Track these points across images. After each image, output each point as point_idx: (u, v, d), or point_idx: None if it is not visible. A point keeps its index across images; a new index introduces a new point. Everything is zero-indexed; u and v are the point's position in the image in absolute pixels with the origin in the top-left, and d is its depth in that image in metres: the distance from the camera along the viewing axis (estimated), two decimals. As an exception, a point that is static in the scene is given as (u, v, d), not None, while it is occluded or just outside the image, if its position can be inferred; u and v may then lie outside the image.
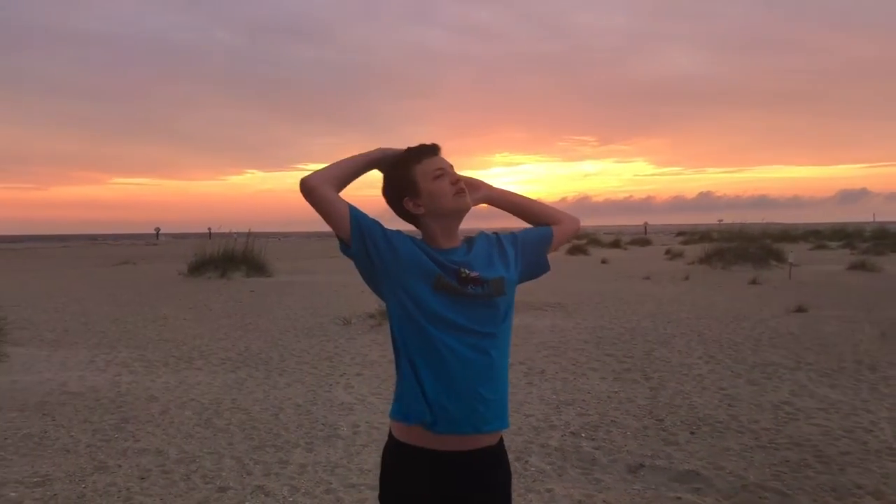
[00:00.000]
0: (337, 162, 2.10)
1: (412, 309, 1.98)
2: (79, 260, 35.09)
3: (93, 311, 13.12)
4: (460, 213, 2.09)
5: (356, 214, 2.03)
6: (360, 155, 2.13)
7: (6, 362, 7.93)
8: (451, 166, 2.10)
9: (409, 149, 2.11)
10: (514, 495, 4.08)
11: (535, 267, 2.21)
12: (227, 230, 22.45)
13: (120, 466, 4.66)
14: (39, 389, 6.77)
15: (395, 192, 2.11)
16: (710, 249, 23.27)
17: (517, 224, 2.36)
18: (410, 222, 2.12)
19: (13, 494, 4.17)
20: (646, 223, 75.20)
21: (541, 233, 2.25)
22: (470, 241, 2.14)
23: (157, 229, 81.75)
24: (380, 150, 2.14)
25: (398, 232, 2.07)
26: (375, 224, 2.05)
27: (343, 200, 2.05)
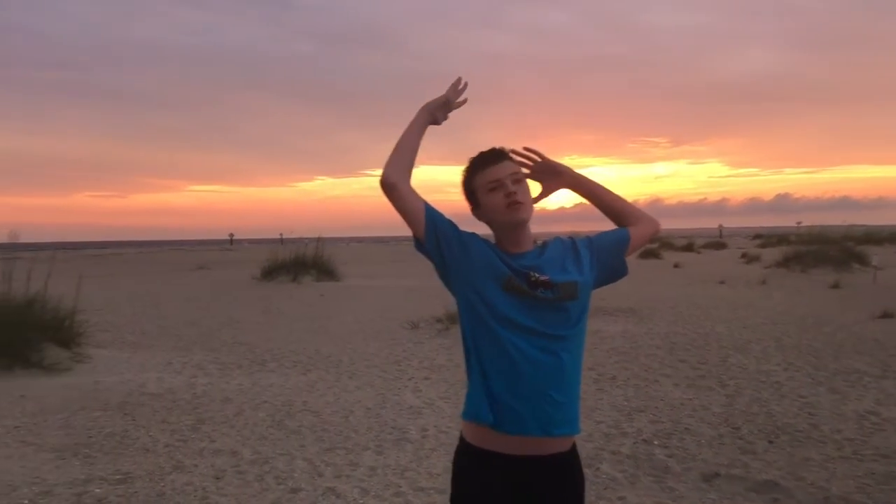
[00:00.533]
0: (399, 145, 2.10)
1: (481, 309, 1.99)
2: (156, 265, 36.30)
3: (170, 314, 13.54)
4: (514, 226, 2.06)
5: (431, 212, 2.06)
6: (411, 125, 2.14)
7: (89, 363, 8.24)
8: (515, 173, 2.08)
9: (473, 158, 2.13)
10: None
11: (611, 271, 2.16)
12: (297, 236, 22.89)
13: (196, 466, 4.78)
14: (120, 390, 7.01)
15: (466, 200, 2.15)
16: (789, 252, 22.59)
17: (595, 227, 2.32)
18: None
19: (98, 491, 4.32)
20: (720, 226, 73.46)
21: (617, 236, 2.19)
22: (544, 245, 2.12)
23: (231, 235, 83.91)
24: (424, 109, 2.15)
25: (473, 234, 2.09)
26: (450, 223, 2.07)
27: (420, 198, 2.07)
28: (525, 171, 2.19)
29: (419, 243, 2.08)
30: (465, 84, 2.18)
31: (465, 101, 2.20)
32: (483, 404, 1.97)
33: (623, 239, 2.18)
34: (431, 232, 2.04)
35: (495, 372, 1.97)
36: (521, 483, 1.97)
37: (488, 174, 2.07)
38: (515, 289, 1.97)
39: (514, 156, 2.17)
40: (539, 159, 2.21)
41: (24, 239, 9.55)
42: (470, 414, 2.01)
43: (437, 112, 2.16)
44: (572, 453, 2.05)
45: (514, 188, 2.05)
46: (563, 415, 1.97)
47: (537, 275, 1.99)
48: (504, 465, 1.96)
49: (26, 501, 4.15)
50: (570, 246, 2.13)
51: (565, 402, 1.97)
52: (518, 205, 2.04)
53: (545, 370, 1.94)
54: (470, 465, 2.03)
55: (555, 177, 2.22)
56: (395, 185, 2.04)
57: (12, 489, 4.33)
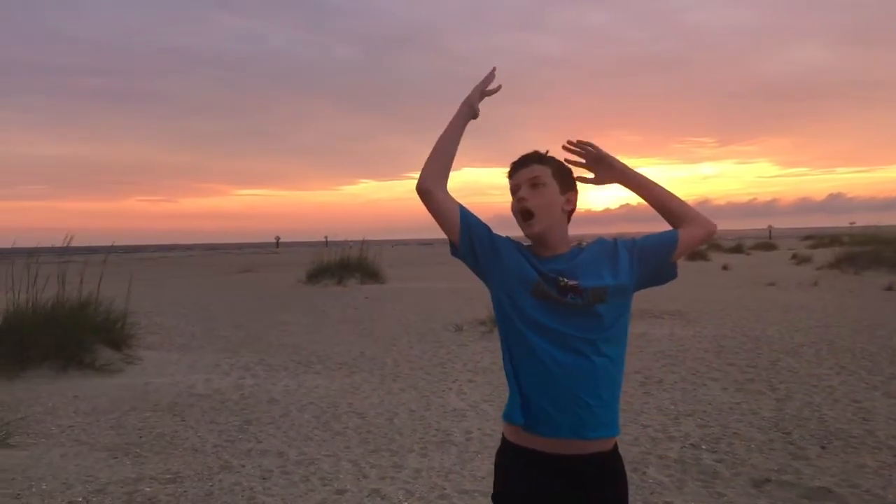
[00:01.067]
0: (438, 146, 2.12)
1: (512, 314, 2.00)
2: (204, 268, 36.94)
3: (218, 317, 13.75)
4: (529, 238, 2.08)
5: (466, 218, 2.08)
6: (453, 120, 2.15)
7: (140, 365, 8.41)
8: (536, 178, 2.05)
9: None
10: (631, 507, 3.95)
11: (656, 274, 2.11)
12: (342, 238, 23.07)
13: (244, 466, 4.85)
14: (170, 391, 7.14)
15: None
16: (841, 253, 22.00)
17: (644, 228, 2.28)
18: None
19: (148, 490, 4.41)
20: (770, 226, 72.07)
21: (664, 237, 2.12)
22: (582, 247, 2.11)
23: (277, 238, 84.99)
24: (465, 104, 2.16)
25: (506, 238, 2.09)
26: (484, 227, 2.09)
27: (455, 203, 2.09)
28: (578, 159, 2.20)
29: (454, 248, 2.10)
30: (495, 69, 2.20)
31: (499, 88, 2.21)
32: (516, 406, 1.99)
33: (670, 241, 2.11)
34: (466, 237, 2.06)
35: (527, 375, 1.98)
36: (560, 481, 1.96)
37: (512, 179, 2.11)
38: (544, 295, 1.97)
39: (566, 147, 2.19)
40: (592, 150, 2.19)
41: (77, 243, 9.77)
42: (506, 414, 2.04)
43: (475, 104, 2.17)
44: (613, 454, 2.03)
45: (524, 193, 2.05)
46: (597, 418, 1.95)
47: (566, 280, 1.98)
48: (542, 462, 1.97)
49: (80, 499, 4.25)
50: (611, 248, 2.09)
51: (598, 406, 1.95)
52: (527, 216, 2.04)
53: (576, 374, 1.94)
54: (509, 463, 2.04)
55: (606, 169, 2.20)
56: (430, 192, 2.06)
57: (67, 487, 4.44)
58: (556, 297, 1.96)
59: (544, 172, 2.07)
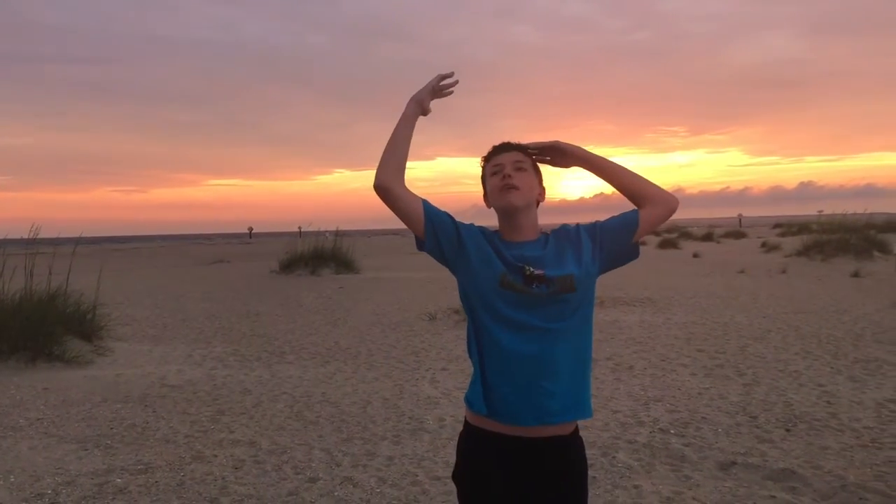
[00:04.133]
0: (390, 143, 2.14)
1: (477, 305, 2.04)
2: (177, 259, 36.59)
3: (190, 307, 13.66)
4: (507, 211, 2.09)
5: (429, 212, 2.10)
6: (402, 118, 2.17)
7: (111, 356, 8.34)
8: (519, 161, 2.12)
9: (491, 148, 2.21)
10: (600, 491, 4.04)
11: (618, 255, 2.13)
12: (316, 228, 22.95)
13: (216, 456, 4.84)
14: (142, 382, 7.10)
15: (482, 185, 2.22)
16: (809, 241, 22.38)
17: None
18: None
19: (119, 481, 4.39)
20: (740, 215, 72.92)
21: (625, 220, 2.14)
22: (547, 235, 2.13)
23: (250, 228, 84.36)
24: (413, 100, 2.18)
25: (470, 226, 2.12)
26: (448, 219, 2.11)
27: (416, 198, 2.10)
28: (535, 152, 2.22)
29: (420, 242, 2.12)
30: (456, 80, 2.22)
31: (451, 92, 2.24)
32: (478, 394, 2.03)
33: (631, 221, 2.12)
34: (430, 231, 2.08)
35: (491, 364, 2.02)
36: (516, 461, 2.00)
37: (495, 160, 2.15)
38: (510, 286, 1.99)
39: (529, 146, 2.21)
40: (554, 146, 2.21)
41: (45, 234, 9.63)
42: (468, 400, 2.08)
43: (425, 101, 2.19)
44: (572, 437, 2.06)
45: (510, 171, 2.09)
46: (559, 404, 1.98)
47: (532, 269, 2.00)
48: (499, 443, 2.01)
49: (50, 491, 4.22)
50: (574, 235, 2.12)
51: (560, 392, 1.98)
52: (511, 189, 2.06)
53: (539, 364, 1.97)
54: (470, 444, 2.08)
55: (563, 156, 2.22)
56: (388, 189, 2.07)
57: (36, 479, 4.41)
58: (522, 288, 1.98)
59: (526, 160, 2.14)
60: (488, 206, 2.18)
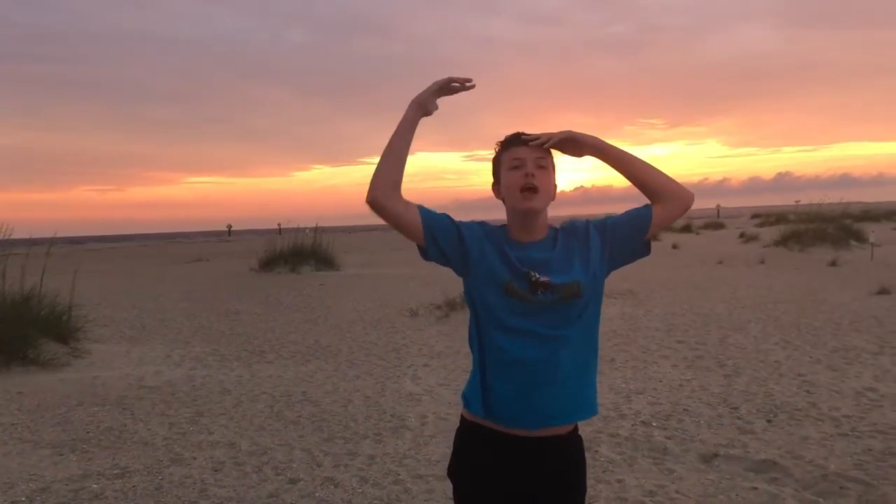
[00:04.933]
0: (388, 152, 2.01)
1: (481, 311, 1.97)
2: (155, 258, 36.23)
3: (168, 307, 13.52)
4: (524, 213, 1.98)
5: (428, 221, 1.99)
6: (403, 122, 2.04)
7: (87, 358, 8.22)
8: (541, 158, 1.99)
9: (506, 138, 2.06)
10: (583, 486, 3.99)
11: (629, 253, 2.05)
12: (296, 225, 22.81)
13: (195, 459, 4.77)
14: (119, 384, 6.99)
15: (493, 174, 2.09)
16: (787, 231, 22.57)
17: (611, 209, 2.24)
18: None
19: (95, 486, 4.31)
20: (718, 206, 73.38)
21: (636, 214, 2.04)
22: (556, 232, 2.04)
23: (229, 226, 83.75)
24: (414, 102, 2.06)
25: (472, 226, 2.02)
26: (448, 224, 2.01)
27: (412, 207, 1.99)
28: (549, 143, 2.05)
29: (423, 252, 2.02)
30: (473, 83, 2.08)
31: (472, 86, 2.09)
32: (477, 396, 1.98)
33: (644, 217, 2.03)
34: (431, 239, 1.98)
35: (493, 367, 1.96)
36: (514, 459, 1.96)
37: (515, 151, 2.00)
38: (515, 293, 1.92)
39: (543, 138, 2.04)
40: (565, 136, 2.05)
41: (20, 234, 9.48)
42: (465, 397, 2.03)
43: (428, 102, 2.07)
44: (571, 436, 2.03)
45: (533, 170, 1.97)
46: (562, 407, 1.95)
47: (538, 275, 1.92)
48: (497, 440, 1.97)
49: (24, 498, 4.14)
50: (583, 232, 2.02)
51: (563, 396, 1.94)
52: (532, 192, 1.95)
53: (540, 369, 1.92)
54: (467, 440, 2.04)
55: (578, 146, 2.07)
56: (384, 206, 1.96)
57: (10, 486, 4.32)
58: (526, 296, 1.91)
59: (546, 157, 2.02)
60: (499, 197, 2.05)
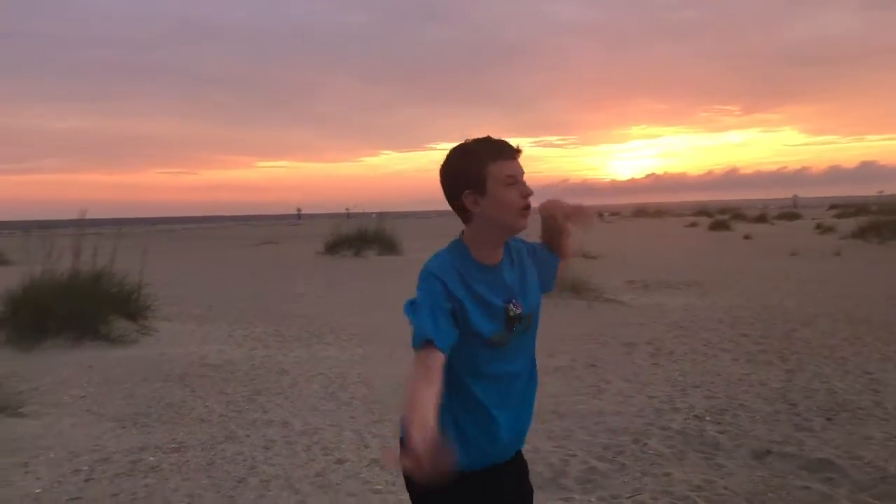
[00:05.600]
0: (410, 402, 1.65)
1: (458, 366, 1.85)
2: (226, 240, 37.20)
3: (235, 288, 13.86)
4: (513, 233, 1.93)
5: (447, 341, 1.78)
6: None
7: (155, 336, 8.51)
8: (523, 174, 1.89)
9: (487, 141, 1.88)
10: (628, 478, 3.98)
11: (542, 285, 2.07)
12: (363, 210, 23.12)
13: (248, 436, 4.90)
14: (182, 362, 7.22)
15: (457, 181, 1.88)
16: (865, 223, 21.68)
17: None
18: (458, 214, 1.92)
19: (151, 459, 4.47)
20: (795, 196, 71.11)
21: (550, 258, 2.11)
22: (508, 251, 1.97)
23: (299, 210, 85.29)
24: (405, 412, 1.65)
25: (450, 275, 1.86)
26: (448, 307, 1.83)
27: (439, 356, 1.73)
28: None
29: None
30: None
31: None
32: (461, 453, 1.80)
33: (555, 266, 2.13)
34: (456, 328, 1.83)
35: (469, 422, 1.90)
36: (480, 493, 1.96)
37: (508, 166, 1.85)
38: (496, 342, 1.88)
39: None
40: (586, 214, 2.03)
41: (94, 215, 9.86)
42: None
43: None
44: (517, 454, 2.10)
45: (529, 191, 1.88)
46: (527, 426, 2.04)
47: (514, 308, 1.90)
48: (462, 483, 1.74)
49: (86, 468, 4.32)
50: (526, 252, 2.04)
51: (528, 422, 2.03)
52: (529, 211, 1.90)
53: (514, 409, 1.96)
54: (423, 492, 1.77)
55: (580, 218, 2.03)
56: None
57: (74, 456, 4.52)
58: (504, 338, 1.89)
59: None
60: (472, 209, 1.86)
